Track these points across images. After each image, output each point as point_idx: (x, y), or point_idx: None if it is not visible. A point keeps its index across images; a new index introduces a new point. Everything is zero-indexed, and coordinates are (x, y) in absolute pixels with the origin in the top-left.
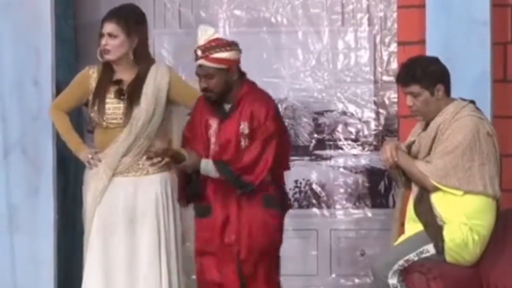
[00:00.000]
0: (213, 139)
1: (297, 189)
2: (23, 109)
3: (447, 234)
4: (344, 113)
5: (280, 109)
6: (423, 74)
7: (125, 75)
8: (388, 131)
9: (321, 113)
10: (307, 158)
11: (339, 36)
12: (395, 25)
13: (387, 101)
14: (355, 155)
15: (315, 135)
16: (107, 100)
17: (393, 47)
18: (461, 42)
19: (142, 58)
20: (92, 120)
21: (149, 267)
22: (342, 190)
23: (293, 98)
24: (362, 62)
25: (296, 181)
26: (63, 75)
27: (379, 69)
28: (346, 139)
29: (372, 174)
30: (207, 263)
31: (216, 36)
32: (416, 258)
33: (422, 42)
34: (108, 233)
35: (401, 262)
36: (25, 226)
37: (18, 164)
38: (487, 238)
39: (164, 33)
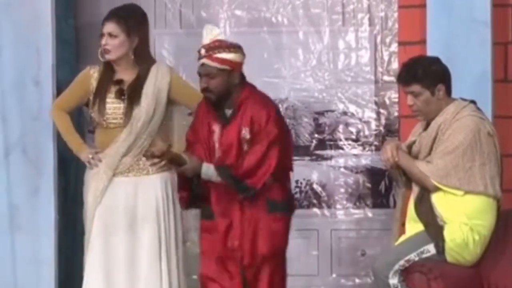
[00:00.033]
0: (217, 145)
1: (297, 189)
2: (23, 109)
3: (447, 234)
4: (344, 113)
5: (281, 109)
6: (424, 73)
7: (125, 75)
8: (389, 131)
9: (321, 113)
10: (307, 158)
11: (339, 36)
12: (396, 25)
13: (387, 101)
14: (355, 155)
15: (316, 135)
16: (108, 100)
17: (394, 47)
18: (461, 42)
19: (143, 58)
20: (93, 120)
21: (149, 267)
22: (342, 190)
23: (294, 98)
24: (363, 62)
25: (296, 181)
26: (64, 75)
27: (379, 69)
28: (346, 139)
29: (373, 174)
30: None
31: (221, 36)
32: (416, 258)
33: (423, 42)
34: (109, 233)
35: (401, 262)
36: (25, 226)
37: (18, 164)
38: (488, 238)
39: (164, 33)
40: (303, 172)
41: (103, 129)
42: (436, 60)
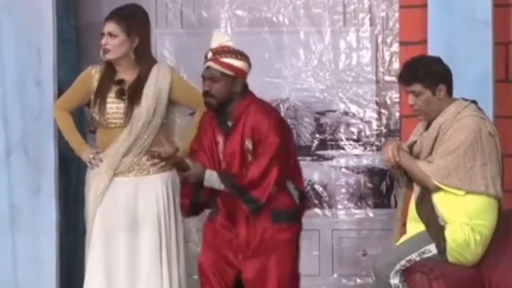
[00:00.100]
0: (221, 157)
1: None
2: (25, 109)
3: (449, 234)
4: (346, 113)
5: (282, 109)
6: (426, 73)
7: (126, 75)
8: (390, 131)
9: (323, 113)
10: (309, 158)
11: (341, 36)
12: (397, 25)
13: (389, 101)
14: (357, 155)
15: (317, 135)
16: (108, 100)
17: (395, 47)
18: (462, 42)
19: (144, 58)
20: (94, 120)
21: (150, 267)
22: (344, 190)
23: (295, 98)
24: (364, 62)
25: None
26: (65, 75)
27: (381, 69)
28: (348, 139)
29: (374, 174)
30: None
31: (230, 44)
32: (418, 258)
33: (424, 42)
34: (110, 233)
35: (403, 262)
36: (27, 226)
37: (20, 164)
38: (489, 238)
39: (165, 33)
40: (305, 172)
41: (104, 129)
42: (437, 60)
